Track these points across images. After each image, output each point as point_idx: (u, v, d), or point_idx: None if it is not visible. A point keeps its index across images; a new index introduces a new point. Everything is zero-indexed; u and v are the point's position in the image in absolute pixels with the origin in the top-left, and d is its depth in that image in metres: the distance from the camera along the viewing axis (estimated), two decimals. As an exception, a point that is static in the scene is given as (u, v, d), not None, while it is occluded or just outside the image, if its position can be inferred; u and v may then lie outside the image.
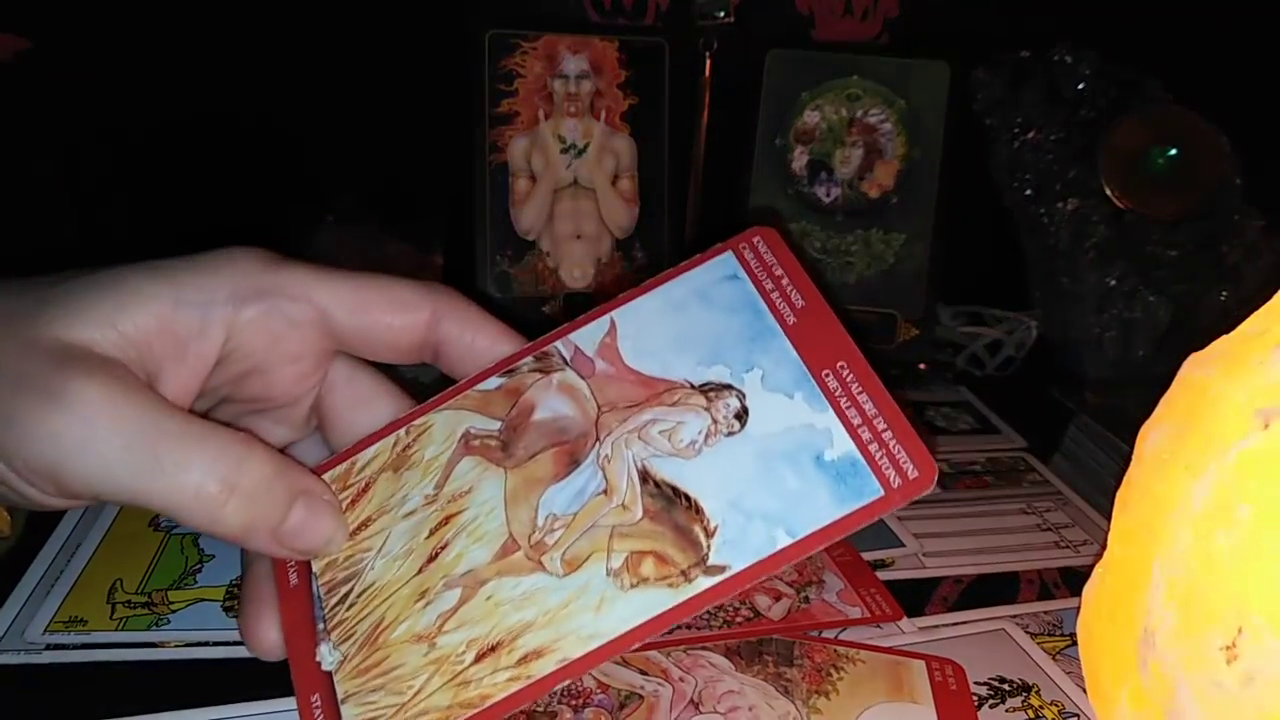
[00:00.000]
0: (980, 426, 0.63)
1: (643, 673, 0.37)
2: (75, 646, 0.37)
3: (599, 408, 0.26)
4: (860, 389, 0.24)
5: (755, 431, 0.24)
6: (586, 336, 0.27)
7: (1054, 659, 0.41)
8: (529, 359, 0.28)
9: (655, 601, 0.24)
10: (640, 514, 0.24)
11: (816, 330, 0.25)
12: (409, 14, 0.70)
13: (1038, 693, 0.39)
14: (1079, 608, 0.34)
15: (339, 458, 0.29)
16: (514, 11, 0.69)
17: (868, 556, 0.46)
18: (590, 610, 0.24)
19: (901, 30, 0.74)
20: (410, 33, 0.70)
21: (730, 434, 0.24)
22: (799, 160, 0.71)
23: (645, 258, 0.70)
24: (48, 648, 0.37)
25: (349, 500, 0.28)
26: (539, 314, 0.69)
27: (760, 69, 0.71)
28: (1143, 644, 0.30)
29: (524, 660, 0.24)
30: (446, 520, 0.26)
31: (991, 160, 0.75)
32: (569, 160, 0.69)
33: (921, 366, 0.69)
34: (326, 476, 0.29)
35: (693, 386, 0.25)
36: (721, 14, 0.69)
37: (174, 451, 0.24)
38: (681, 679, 0.37)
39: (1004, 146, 0.74)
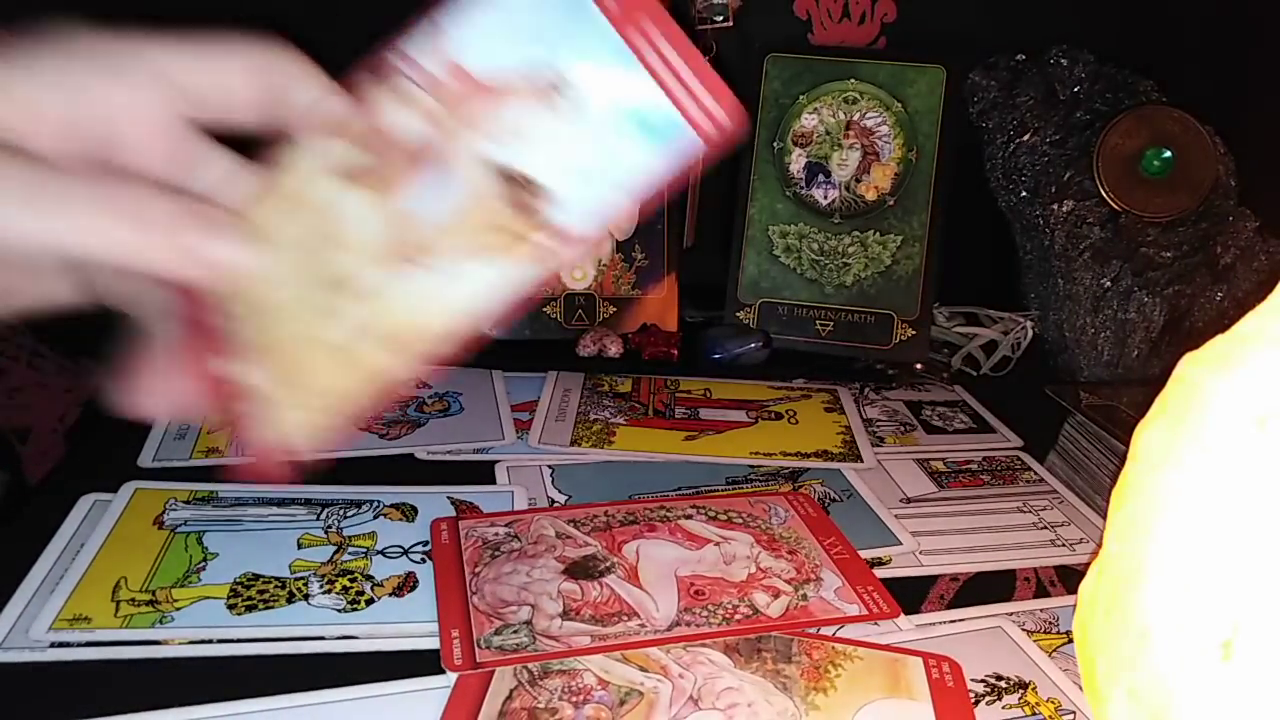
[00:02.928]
0: (976, 426, 0.63)
1: (643, 669, 0.38)
2: (79, 644, 0.37)
3: (445, 114, 0.28)
4: (666, 44, 0.27)
5: (579, 103, 0.27)
6: (421, 49, 0.29)
7: (1050, 656, 0.41)
8: (374, 84, 0.30)
9: (506, 272, 0.28)
10: (487, 201, 0.28)
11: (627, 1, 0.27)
12: (412, 19, 0.70)
13: (1034, 689, 0.39)
14: (1075, 605, 0.34)
15: None
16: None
17: (865, 554, 0.47)
18: (449, 289, 0.28)
19: (898, 34, 0.75)
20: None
21: (555, 110, 0.28)
22: (797, 162, 0.71)
23: (645, 258, 0.71)
24: (52, 645, 0.37)
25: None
26: (541, 316, 0.70)
27: (759, 72, 0.71)
28: (1139, 641, 0.30)
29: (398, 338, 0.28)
30: (327, 241, 0.29)
31: (988, 162, 0.75)
32: (568, 162, 0.69)
33: (918, 366, 0.70)
34: None
35: (520, 76, 0.28)
36: (720, 18, 0.70)
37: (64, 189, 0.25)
38: (681, 675, 0.38)
39: (1000, 149, 0.74)
